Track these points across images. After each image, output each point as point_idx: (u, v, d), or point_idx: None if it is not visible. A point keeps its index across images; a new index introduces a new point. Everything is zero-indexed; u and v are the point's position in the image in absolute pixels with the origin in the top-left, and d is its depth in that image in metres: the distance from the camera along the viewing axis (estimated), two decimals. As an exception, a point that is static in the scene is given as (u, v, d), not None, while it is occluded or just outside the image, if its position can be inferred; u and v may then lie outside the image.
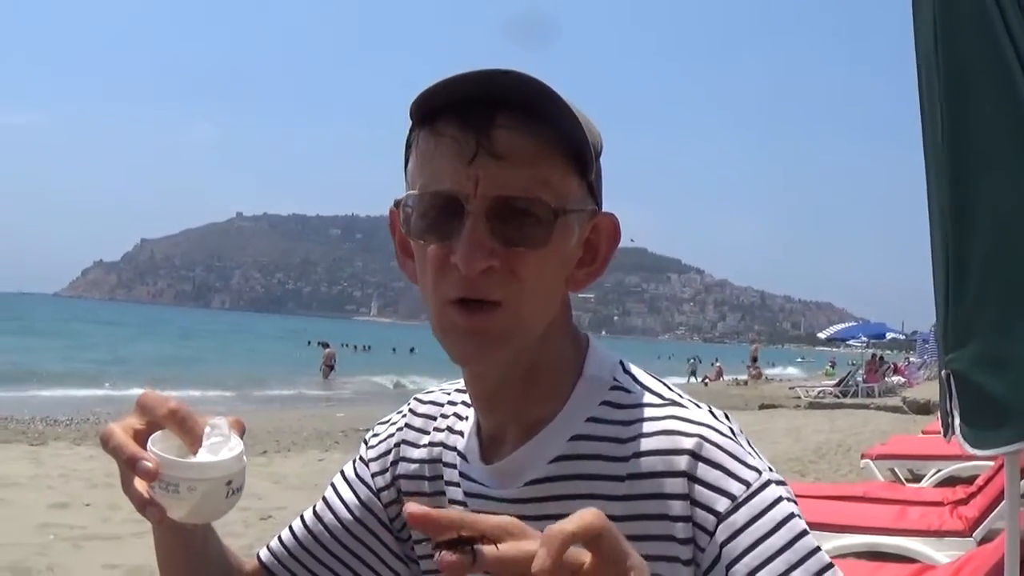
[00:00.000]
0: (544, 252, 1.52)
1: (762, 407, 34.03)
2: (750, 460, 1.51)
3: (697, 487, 1.49)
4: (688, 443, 1.52)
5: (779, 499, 1.49)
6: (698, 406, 1.60)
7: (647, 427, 1.57)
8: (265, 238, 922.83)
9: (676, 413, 1.57)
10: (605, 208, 1.67)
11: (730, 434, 1.54)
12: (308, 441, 19.35)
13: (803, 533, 1.47)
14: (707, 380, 64.06)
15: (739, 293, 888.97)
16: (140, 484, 1.42)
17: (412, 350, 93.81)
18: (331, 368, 50.18)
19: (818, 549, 1.47)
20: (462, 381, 1.80)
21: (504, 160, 1.49)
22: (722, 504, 1.48)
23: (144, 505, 1.40)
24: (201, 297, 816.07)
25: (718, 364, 70.59)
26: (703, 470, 1.50)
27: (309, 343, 53.58)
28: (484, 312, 1.53)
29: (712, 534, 1.47)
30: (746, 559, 1.45)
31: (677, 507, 1.50)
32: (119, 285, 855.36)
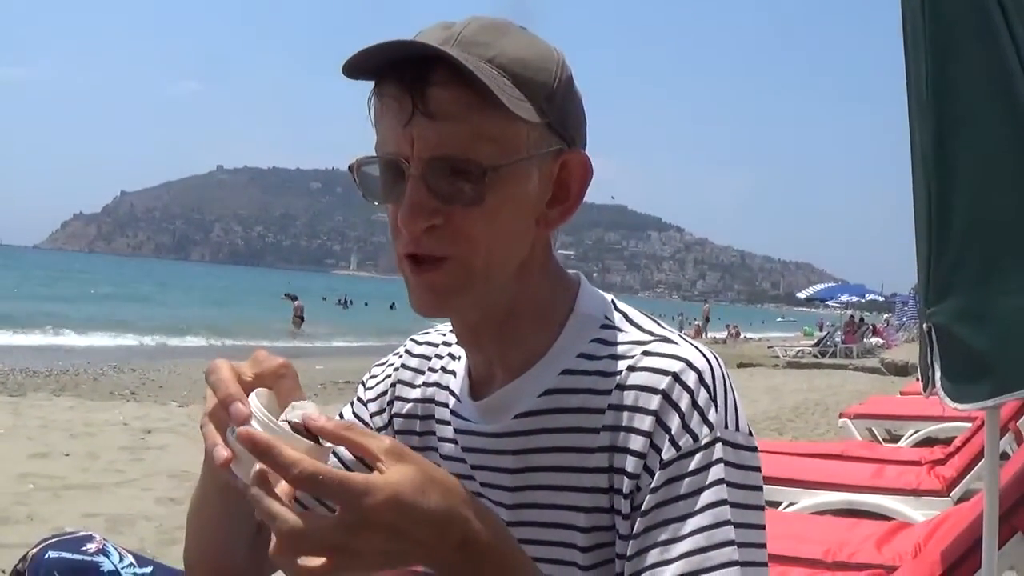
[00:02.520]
0: (486, 207, 1.53)
1: (740, 365, 34.05)
2: (711, 413, 1.52)
3: (659, 429, 1.51)
4: (663, 383, 1.53)
5: (717, 462, 1.50)
6: (689, 343, 1.61)
7: (632, 362, 1.58)
8: (245, 191, 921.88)
9: (661, 349, 1.58)
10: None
11: (708, 378, 1.55)
12: (287, 394, 19.35)
13: (719, 503, 1.48)
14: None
15: (719, 252, 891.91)
16: (214, 427, 1.43)
17: (392, 306, 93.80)
18: (301, 320, 50.43)
19: (727, 524, 1.48)
20: None
21: (437, 119, 1.49)
22: (669, 452, 1.50)
23: (215, 445, 1.39)
24: (181, 250, 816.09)
25: (697, 323, 70.72)
26: (668, 414, 1.51)
27: (285, 296, 53.68)
28: (432, 266, 1.55)
29: (652, 476, 1.50)
30: (657, 511, 1.49)
31: (639, 443, 1.53)
32: (99, 237, 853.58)
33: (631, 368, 1.57)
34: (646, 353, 1.58)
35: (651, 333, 1.64)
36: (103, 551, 1.94)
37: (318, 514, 1.27)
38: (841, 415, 12.02)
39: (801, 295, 60.08)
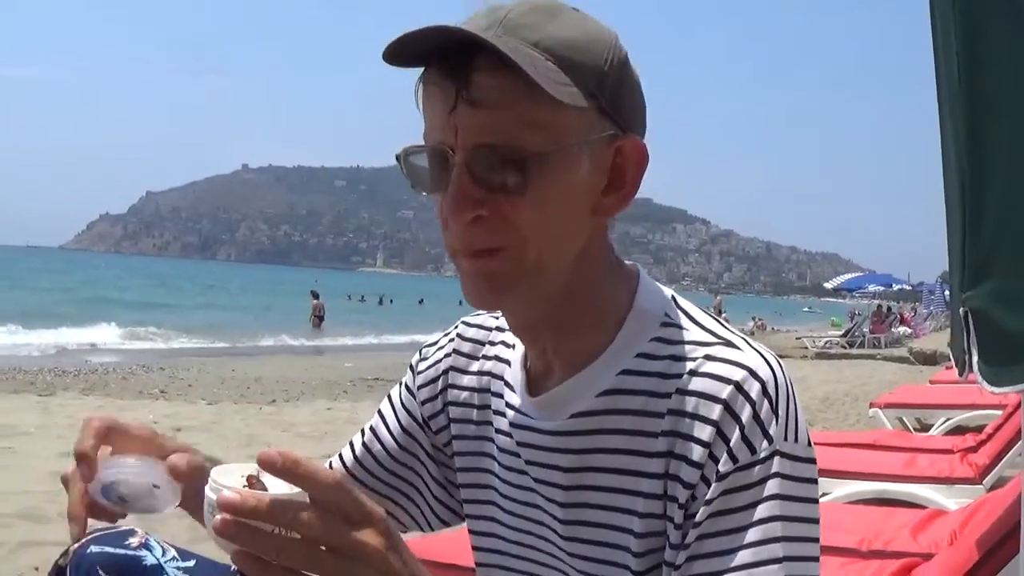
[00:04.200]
0: (535, 196, 1.49)
1: (768, 357, 33.96)
2: (771, 426, 1.49)
3: (719, 440, 1.49)
4: (725, 392, 1.51)
5: (774, 475, 1.48)
6: (753, 348, 1.58)
7: (694, 366, 1.55)
8: (271, 190, 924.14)
9: (724, 354, 1.55)
10: None
11: (771, 389, 1.52)
12: (317, 390, 19.33)
13: (772, 519, 1.47)
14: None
15: (745, 244, 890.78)
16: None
17: (421, 302, 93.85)
18: (320, 319, 49.54)
19: (778, 540, 1.46)
20: None
21: (481, 106, 1.46)
22: (726, 465, 1.48)
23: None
24: (207, 249, 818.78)
25: (724, 315, 70.56)
26: (729, 425, 1.49)
27: (313, 294, 53.47)
28: (487, 256, 1.52)
29: (708, 487, 1.48)
30: (710, 523, 1.48)
31: (698, 453, 1.50)
32: (125, 237, 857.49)
33: (692, 373, 1.54)
34: (708, 357, 1.55)
35: (714, 334, 1.60)
36: (146, 545, 1.93)
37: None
38: (872, 405, 12.02)
39: (828, 285, 59.88)
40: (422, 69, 1.54)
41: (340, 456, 2.08)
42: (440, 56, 1.47)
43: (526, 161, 1.47)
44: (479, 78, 1.44)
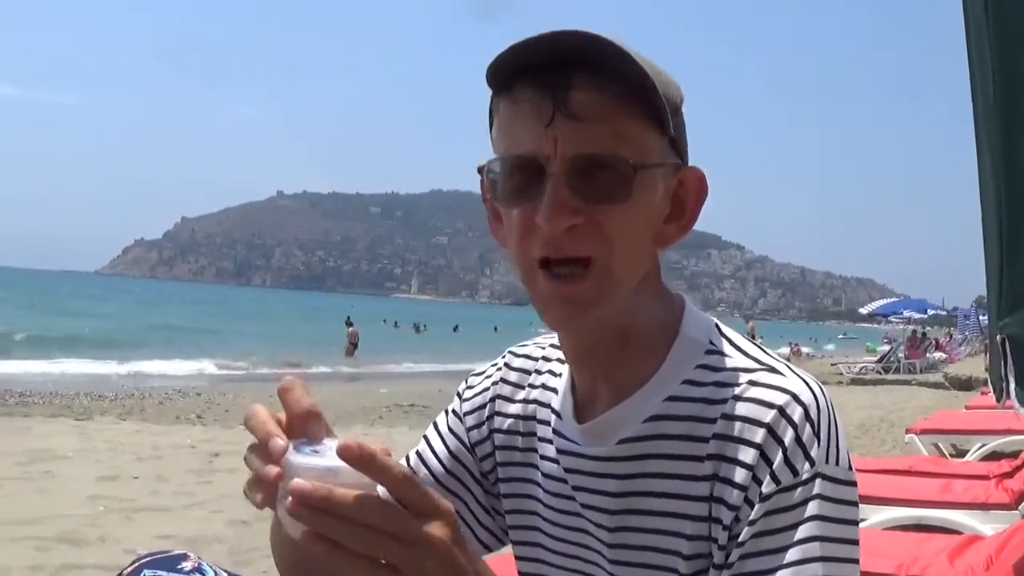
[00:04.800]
0: (627, 207, 1.54)
1: (804, 383, 33.84)
2: (813, 449, 1.53)
3: (762, 463, 1.52)
4: (768, 416, 1.54)
5: (815, 497, 1.51)
6: (796, 373, 1.61)
7: (738, 391, 1.59)
8: (305, 216, 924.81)
9: (767, 380, 1.59)
10: None
11: (813, 413, 1.55)
12: (352, 416, 19.38)
13: (811, 539, 1.50)
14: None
15: (779, 269, 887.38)
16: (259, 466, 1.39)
17: (455, 328, 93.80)
18: (355, 347, 48.79)
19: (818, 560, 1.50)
20: (556, 336, 1.84)
21: (580, 120, 1.51)
22: (769, 487, 1.51)
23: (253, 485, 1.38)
24: (242, 275, 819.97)
25: (759, 341, 69.82)
26: (772, 448, 1.53)
27: (347, 322, 52.94)
28: (573, 278, 1.56)
29: (752, 508, 1.52)
30: (753, 543, 1.51)
31: (742, 475, 1.54)
32: (160, 263, 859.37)
33: (737, 398, 1.58)
34: (752, 383, 1.59)
35: (757, 360, 1.64)
36: (199, 569, 1.94)
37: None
38: (907, 431, 11.96)
39: (863, 311, 59.61)
40: (494, 87, 1.60)
41: None
42: (535, 73, 1.53)
43: (623, 171, 1.53)
44: (576, 94, 1.51)
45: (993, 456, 10.35)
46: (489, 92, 1.63)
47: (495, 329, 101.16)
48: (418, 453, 2.04)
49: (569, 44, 1.51)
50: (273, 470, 1.28)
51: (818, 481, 1.51)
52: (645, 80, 1.51)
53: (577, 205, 1.52)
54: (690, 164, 1.67)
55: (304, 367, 37.71)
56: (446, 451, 2.00)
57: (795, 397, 1.55)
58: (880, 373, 40.01)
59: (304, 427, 1.36)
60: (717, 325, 1.73)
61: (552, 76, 1.52)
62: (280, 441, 1.30)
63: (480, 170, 1.64)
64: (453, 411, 2.04)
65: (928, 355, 46.44)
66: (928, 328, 68.00)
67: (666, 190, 1.62)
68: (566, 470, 1.75)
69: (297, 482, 1.25)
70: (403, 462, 2.05)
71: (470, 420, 1.99)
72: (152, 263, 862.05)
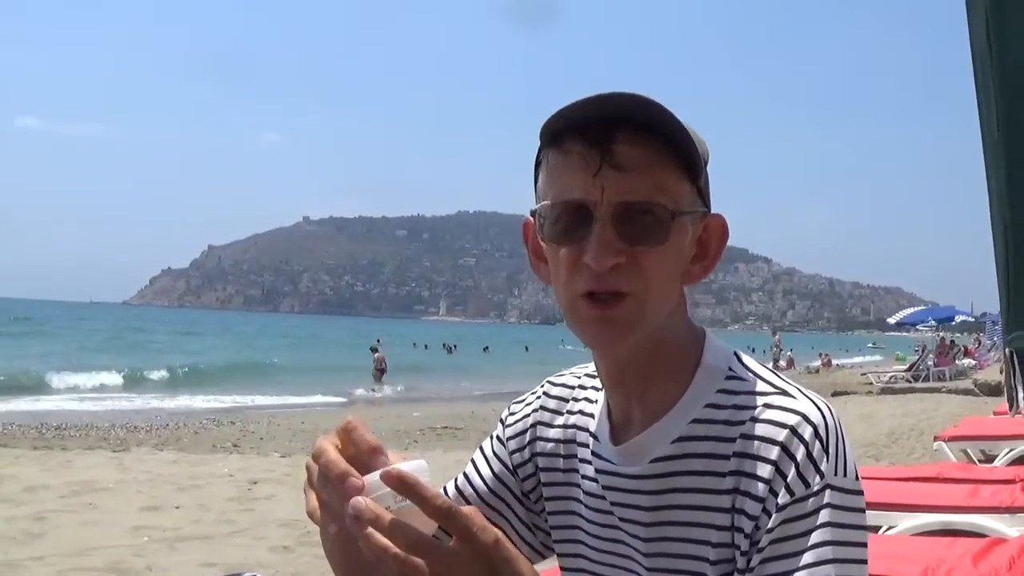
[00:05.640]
0: (664, 249, 1.75)
1: (835, 394, 33.74)
2: (822, 463, 1.70)
3: (777, 477, 1.71)
4: (782, 435, 1.72)
5: (826, 506, 1.69)
6: (806, 396, 1.80)
7: (755, 413, 1.77)
8: (332, 241, 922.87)
9: (780, 402, 1.77)
10: None
11: (822, 431, 1.73)
12: (387, 441, 19.02)
13: (823, 544, 1.67)
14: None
15: (807, 281, 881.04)
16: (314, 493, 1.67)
17: (486, 349, 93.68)
18: (382, 372, 48.03)
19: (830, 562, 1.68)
20: (591, 366, 2.05)
21: (625, 171, 1.72)
22: (784, 498, 1.69)
23: (313, 511, 1.68)
24: (270, 302, 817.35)
25: (789, 354, 69.83)
26: (786, 463, 1.70)
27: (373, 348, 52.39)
28: (612, 303, 1.75)
29: (769, 517, 1.70)
30: (771, 548, 1.69)
31: (760, 489, 1.72)
32: (188, 292, 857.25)
33: (754, 419, 1.76)
34: (767, 406, 1.77)
35: (772, 385, 1.83)
36: None
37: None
38: (936, 438, 11.98)
39: (891, 320, 59.23)
40: (545, 140, 1.81)
41: None
42: (583, 129, 1.74)
43: (662, 217, 1.74)
44: (621, 148, 1.71)
45: (1021, 460, 10.39)
46: (537, 146, 1.84)
47: (526, 349, 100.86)
48: (465, 475, 2.22)
49: (614, 104, 1.71)
50: (356, 509, 1.49)
51: (828, 492, 1.69)
52: (683, 135, 1.73)
53: (621, 246, 1.72)
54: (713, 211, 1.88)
55: (335, 394, 37.81)
56: (491, 473, 2.17)
57: (805, 417, 1.73)
58: (910, 382, 39.89)
59: (371, 463, 1.58)
60: (735, 353, 1.92)
61: (599, 131, 1.72)
62: (356, 482, 1.52)
63: (532, 213, 1.85)
64: (497, 437, 2.22)
65: (957, 362, 46.26)
66: (957, 335, 67.69)
67: (694, 234, 1.83)
68: (604, 488, 1.93)
69: (356, 500, 1.48)
70: (451, 484, 2.24)
71: (512, 444, 2.17)
72: (180, 292, 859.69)
